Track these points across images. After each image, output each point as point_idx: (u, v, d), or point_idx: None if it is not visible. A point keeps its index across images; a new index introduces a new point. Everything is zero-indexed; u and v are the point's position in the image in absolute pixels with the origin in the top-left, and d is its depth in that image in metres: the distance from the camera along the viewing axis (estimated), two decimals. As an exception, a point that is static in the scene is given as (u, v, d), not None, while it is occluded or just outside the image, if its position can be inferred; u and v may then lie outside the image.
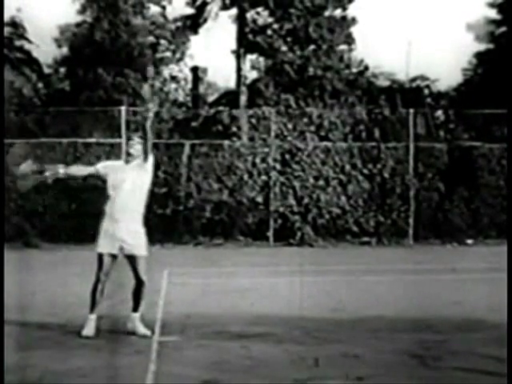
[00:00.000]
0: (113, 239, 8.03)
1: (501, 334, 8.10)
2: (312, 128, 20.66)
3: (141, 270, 8.07)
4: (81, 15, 27.24)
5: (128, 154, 8.23)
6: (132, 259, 8.08)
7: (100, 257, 8.07)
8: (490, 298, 10.79)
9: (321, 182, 20.28)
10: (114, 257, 8.10)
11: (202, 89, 30.52)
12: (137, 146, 8.14)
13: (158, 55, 27.99)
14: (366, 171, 20.48)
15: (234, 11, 27.58)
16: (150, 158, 8.11)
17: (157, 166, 20.39)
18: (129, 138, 8.42)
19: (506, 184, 19.68)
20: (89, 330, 7.99)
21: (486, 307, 9.91)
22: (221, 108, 23.19)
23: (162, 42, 28.17)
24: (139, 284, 8.12)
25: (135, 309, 8.19)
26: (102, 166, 8.36)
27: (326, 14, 27.23)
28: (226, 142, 20.48)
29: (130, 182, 8.05)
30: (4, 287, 9.28)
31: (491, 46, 30.26)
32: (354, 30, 27.58)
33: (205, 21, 28.16)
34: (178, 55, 28.56)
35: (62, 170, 8.33)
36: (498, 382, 6.33)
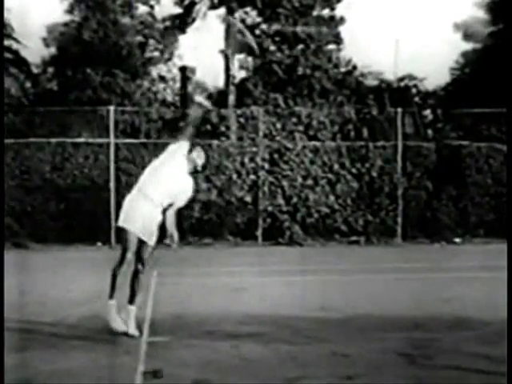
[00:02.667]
0: (135, 217, 7.91)
1: (490, 332, 8.15)
2: (301, 127, 20.70)
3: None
4: (69, 15, 27.18)
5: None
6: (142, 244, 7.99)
7: (124, 232, 7.90)
8: (480, 297, 10.85)
9: (309, 182, 20.31)
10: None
11: (190, 88, 30.48)
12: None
13: (147, 55, 27.95)
14: (354, 170, 20.53)
15: (222, 11, 27.59)
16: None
17: (145, 166, 20.42)
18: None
19: (507, 184, 19.68)
20: (118, 323, 7.87)
21: (475, 305, 9.96)
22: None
23: (151, 41, 28.12)
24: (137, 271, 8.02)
25: (131, 300, 7.97)
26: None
27: (314, 13, 27.28)
28: (215, 142, 20.48)
29: (167, 166, 8.04)
30: (4, 287, 9.24)
31: (479, 45, 30.36)
32: (343, 30, 27.67)
33: (193, 20, 28.12)
34: (166, 55, 28.52)
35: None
36: (487, 380, 6.36)
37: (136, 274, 8.01)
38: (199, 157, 8.20)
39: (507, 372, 5.89)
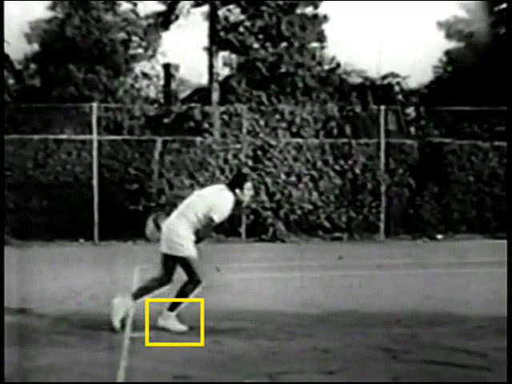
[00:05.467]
0: None
1: (470, 328, 8.21)
2: (284, 124, 20.73)
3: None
4: (51, 11, 27.09)
5: None
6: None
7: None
8: (460, 292, 10.92)
9: (292, 178, 20.37)
10: None
11: (174, 85, 30.47)
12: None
13: (130, 52, 27.90)
14: (337, 167, 20.61)
15: (205, 8, 27.60)
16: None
17: (128, 163, 20.48)
18: None
19: (506, 184, 19.76)
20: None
21: (455, 301, 10.02)
22: (193, 104, 23.15)
23: (134, 38, 28.08)
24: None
25: (136, 297, 8.26)
26: None
27: (298, 11, 27.34)
28: (198, 139, 20.48)
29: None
30: (4, 286, 9.21)
31: (461, 44, 30.54)
32: (326, 28, 27.77)
33: (177, 18, 28.14)
34: (149, 52, 28.49)
35: None
36: (467, 374, 6.41)
37: (159, 286, 8.44)
38: (246, 192, 8.70)
39: (507, 371, 5.94)
